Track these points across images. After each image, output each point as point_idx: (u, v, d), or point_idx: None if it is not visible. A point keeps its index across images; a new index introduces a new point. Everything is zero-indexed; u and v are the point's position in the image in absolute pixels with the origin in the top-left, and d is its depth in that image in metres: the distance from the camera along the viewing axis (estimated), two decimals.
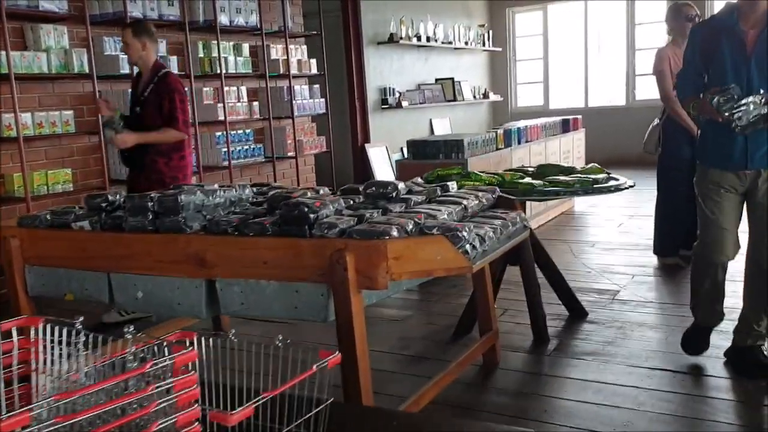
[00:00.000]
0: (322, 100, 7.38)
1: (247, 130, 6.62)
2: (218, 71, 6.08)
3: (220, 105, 6.15)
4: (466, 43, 10.64)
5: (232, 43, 6.47)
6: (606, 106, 11.39)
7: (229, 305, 2.60)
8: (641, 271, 4.90)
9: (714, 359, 3.27)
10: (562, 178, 3.58)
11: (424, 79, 10.00)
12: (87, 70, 5.00)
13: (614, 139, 10.95)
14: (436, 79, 10.18)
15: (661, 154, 4.96)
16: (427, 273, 2.40)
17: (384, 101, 8.96)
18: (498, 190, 3.16)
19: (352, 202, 2.95)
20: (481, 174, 3.61)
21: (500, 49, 11.84)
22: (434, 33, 9.76)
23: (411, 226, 2.45)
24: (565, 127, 7.55)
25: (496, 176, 3.61)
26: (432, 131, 10.06)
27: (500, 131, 5.94)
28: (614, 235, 6.17)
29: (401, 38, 9.01)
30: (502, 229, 2.75)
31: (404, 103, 9.05)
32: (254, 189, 3.50)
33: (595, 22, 11.47)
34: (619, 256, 5.38)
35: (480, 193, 3.05)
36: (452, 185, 3.21)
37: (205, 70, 6.13)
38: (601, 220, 6.84)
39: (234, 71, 6.39)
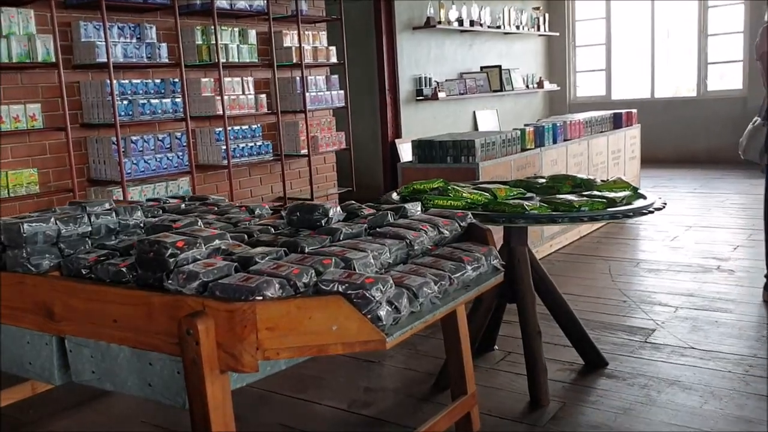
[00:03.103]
0: (342, 92, 6.71)
1: (254, 126, 6.01)
2: (216, 60, 5.48)
3: (219, 98, 5.56)
4: (518, 27, 9.73)
5: (237, 29, 5.87)
6: (675, 97, 10.31)
7: (80, 372, 1.97)
8: (687, 303, 4.03)
9: None
10: (568, 197, 2.78)
11: (468, 67, 9.17)
12: (53, 59, 4.48)
13: (683, 132, 9.92)
14: (482, 68, 9.34)
15: None
16: (317, 349, 1.70)
17: (419, 92, 8.20)
18: (470, 215, 2.41)
19: (273, 230, 2.29)
20: (463, 190, 2.85)
21: (557, 34, 10.87)
22: (480, 16, 8.91)
23: (306, 279, 1.75)
24: (617, 122, 6.62)
25: (485, 193, 2.85)
26: (476, 125, 9.25)
27: (530, 129, 5.12)
28: (665, 251, 5.26)
29: (440, 22, 8.21)
30: (453, 276, 2.02)
31: (441, 95, 8.26)
32: (185, 204, 2.89)
33: (664, 4, 10.34)
34: (664, 280, 4.51)
35: (441, 221, 2.32)
36: (415, 207, 2.49)
37: (203, 58, 5.54)
38: (653, 232, 5.92)
39: (237, 60, 5.79)
